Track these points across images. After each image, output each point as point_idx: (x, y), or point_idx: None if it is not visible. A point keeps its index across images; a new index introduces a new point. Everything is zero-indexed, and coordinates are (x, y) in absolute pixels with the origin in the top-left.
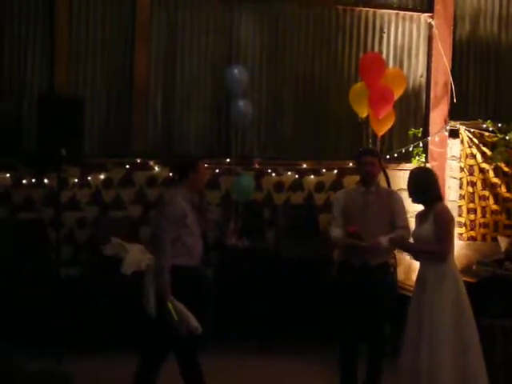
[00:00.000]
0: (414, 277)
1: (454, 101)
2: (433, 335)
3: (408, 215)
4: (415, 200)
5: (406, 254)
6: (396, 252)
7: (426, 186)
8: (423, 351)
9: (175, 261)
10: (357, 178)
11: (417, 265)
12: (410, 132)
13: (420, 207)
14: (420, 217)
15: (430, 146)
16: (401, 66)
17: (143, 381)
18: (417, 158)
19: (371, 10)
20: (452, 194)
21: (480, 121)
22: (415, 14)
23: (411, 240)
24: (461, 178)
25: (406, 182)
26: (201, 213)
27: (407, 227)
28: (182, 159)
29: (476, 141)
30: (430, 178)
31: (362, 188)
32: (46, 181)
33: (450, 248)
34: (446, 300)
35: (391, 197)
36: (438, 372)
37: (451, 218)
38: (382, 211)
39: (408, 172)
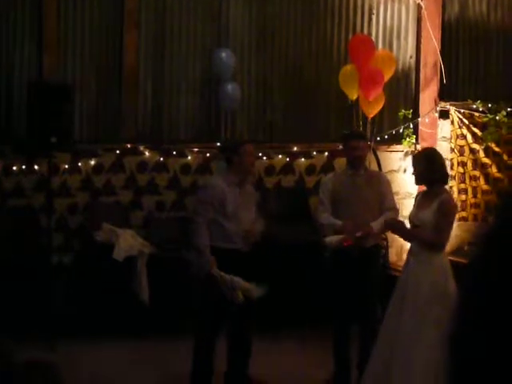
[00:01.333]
0: (405, 257)
1: (444, 82)
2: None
3: (399, 197)
4: (420, 181)
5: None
6: (388, 234)
7: (433, 166)
8: (403, 325)
9: (213, 242)
10: None
11: (408, 246)
12: (400, 113)
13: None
14: (422, 198)
15: (421, 127)
16: (390, 48)
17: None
18: (407, 139)
19: None
20: None
21: (470, 101)
22: None
23: (405, 220)
24: (451, 159)
25: (396, 164)
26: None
27: (395, 209)
28: (226, 143)
29: (466, 121)
30: (438, 159)
31: (350, 171)
32: (36, 167)
33: (448, 240)
34: (432, 291)
35: (379, 178)
36: (413, 350)
37: (456, 210)
38: (371, 194)
39: (398, 153)
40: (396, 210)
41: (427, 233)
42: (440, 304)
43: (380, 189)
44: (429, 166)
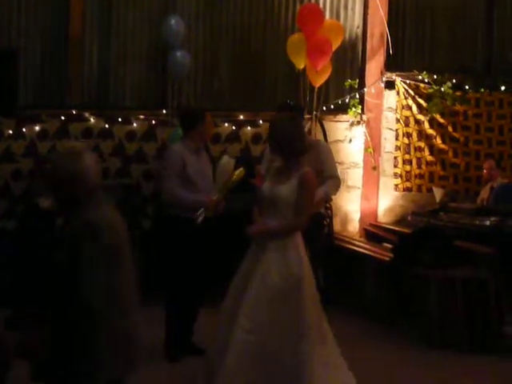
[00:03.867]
0: (350, 228)
1: (390, 52)
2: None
3: (344, 166)
4: (276, 151)
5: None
6: (332, 203)
7: (291, 136)
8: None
9: (172, 211)
10: None
11: (353, 216)
12: (347, 83)
13: None
14: (278, 172)
15: (366, 98)
16: (337, 18)
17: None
18: (353, 109)
19: None
20: (388, 146)
21: (416, 72)
22: None
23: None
24: (397, 130)
25: (342, 134)
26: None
27: (336, 177)
28: (188, 110)
29: (412, 92)
30: (296, 128)
31: None
32: None
33: (308, 218)
34: (285, 284)
35: (318, 147)
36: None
37: (315, 185)
38: (309, 162)
39: (344, 123)
40: (337, 178)
41: (289, 221)
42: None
43: (319, 157)
44: (286, 137)
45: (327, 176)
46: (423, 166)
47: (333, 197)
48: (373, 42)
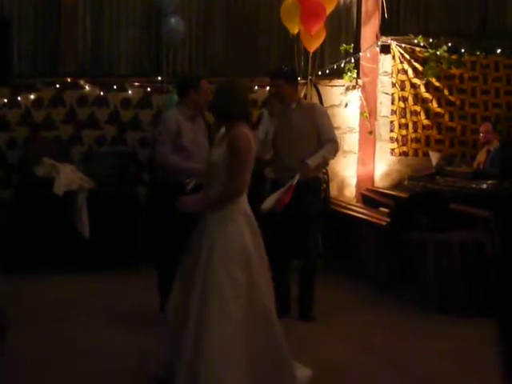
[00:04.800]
0: (347, 193)
1: (386, 16)
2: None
3: (340, 131)
4: (216, 117)
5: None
6: (328, 168)
7: (224, 101)
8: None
9: (165, 178)
10: None
11: (350, 181)
12: (342, 48)
13: None
14: (221, 136)
15: (362, 62)
16: None
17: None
18: (348, 73)
19: None
20: (384, 110)
21: (411, 36)
22: None
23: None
24: (392, 94)
25: (337, 98)
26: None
27: (334, 140)
28: (183, 77)
29: (407, 56)
30: (231, 93)
31: (282, 106)
32: None
33: (245, 184)
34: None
35: (314, 111)
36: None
37: (248, 146)
38: (305, 126)
39: (339, 88)
40: (335, 142)
41: (220, 191)
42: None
43: (315, 121)
44: (224, 101)
45: (324, 140)
46: (419, 130)
47: (330, 161)
48: (368, 5)
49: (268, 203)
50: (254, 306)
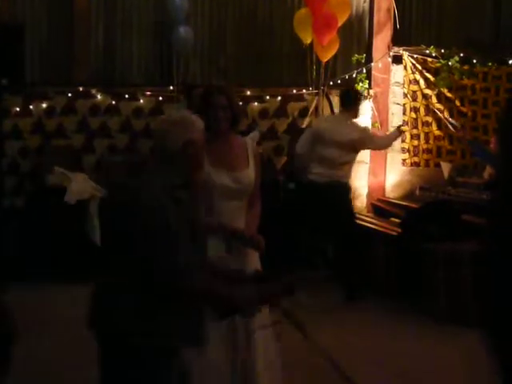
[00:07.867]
0: (358, 203)
1: (398, 26)
2: None
3: None
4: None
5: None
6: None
7: None
8: None
9: None
10: (299, 104)
11: (361, 191)
12: (354, 58)
13: None
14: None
15: (374, 72)
16: None
17: None
18: (360, 84)
19: None
20: (395, 120)
21: (423, 47)
22: None
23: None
24: (404, 104)
25: None
26: None
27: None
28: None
29: (419, 67)
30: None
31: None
32: None
33: None
34: None
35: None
36: None
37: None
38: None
39: None
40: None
41: (256, 210)
42: None
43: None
44: None
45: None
46: (431, 141)
47: None
48: (380, 16)
49: None
50: None
